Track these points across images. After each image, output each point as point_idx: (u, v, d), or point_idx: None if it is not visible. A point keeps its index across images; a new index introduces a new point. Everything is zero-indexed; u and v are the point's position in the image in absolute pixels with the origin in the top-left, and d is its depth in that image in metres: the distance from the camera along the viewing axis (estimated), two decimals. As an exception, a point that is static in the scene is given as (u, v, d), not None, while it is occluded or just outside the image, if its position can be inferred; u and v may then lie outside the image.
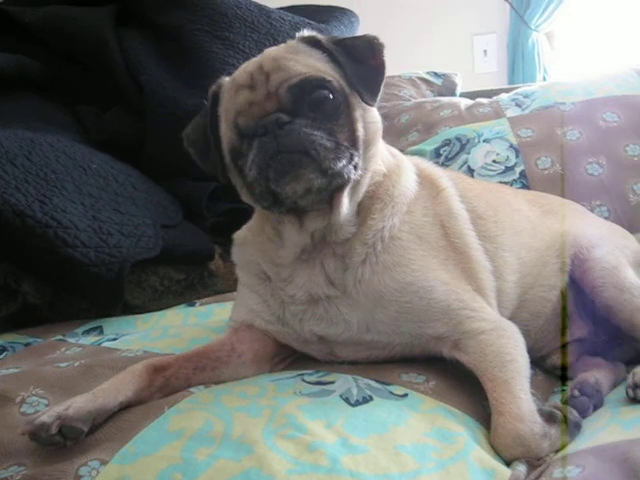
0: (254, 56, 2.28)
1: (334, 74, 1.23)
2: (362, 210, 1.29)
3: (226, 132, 1.25)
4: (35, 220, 1.67)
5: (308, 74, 1.20)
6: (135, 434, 1.11)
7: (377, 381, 1.26)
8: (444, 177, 1.45)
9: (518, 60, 4.68)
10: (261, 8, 2.40)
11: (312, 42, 1.26)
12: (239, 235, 1.45)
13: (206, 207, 2.23)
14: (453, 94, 2.87)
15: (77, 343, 1.62)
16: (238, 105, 1.21)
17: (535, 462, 1.14)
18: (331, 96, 1.20)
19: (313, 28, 2.45)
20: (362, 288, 1.27)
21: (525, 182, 2.04)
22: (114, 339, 1.62)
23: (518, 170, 2.07)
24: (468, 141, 2.20)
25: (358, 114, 1.23)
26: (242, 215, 2.31)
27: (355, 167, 1.20)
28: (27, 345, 1.64)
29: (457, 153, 2.18)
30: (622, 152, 2.03)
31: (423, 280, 1.27)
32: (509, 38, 4.75)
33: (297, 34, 1.29)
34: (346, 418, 1.12)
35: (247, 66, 1.26)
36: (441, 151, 2.21)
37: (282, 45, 1.29)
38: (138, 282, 1.92)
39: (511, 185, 2.03)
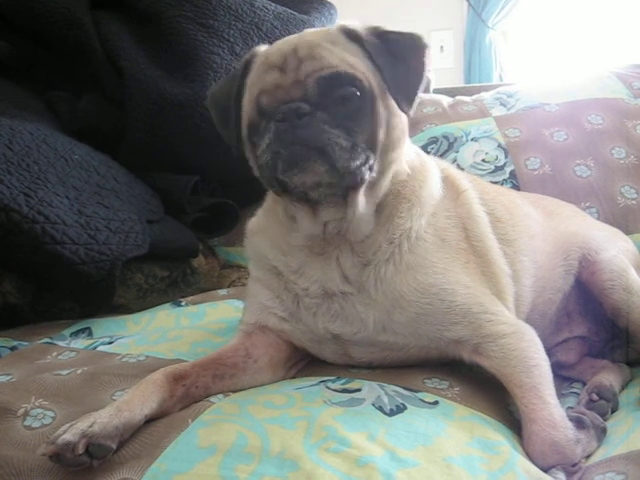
0: (239, 46, 2.27)
1: (367, 73, 1.18)
2: (386, 208, 1.26)
3: (247, 106, 1.21)
4: (21, 215, 1.55)
5: (340, 69, 1.16)
6: (162, 450, 1.04)
7: (404, 388, 1.23)
8: (464, 179, 1.43)
9: (475, 57, 4.74)
10: (244, -5, 2.31)
11: (352, 35, 1.21)
12: (252, 223, 1.41)
13: (188, 202, 2.14)
14: (427, 90, 2.84)
15: (69, 347, 1.52)
16: (264, 84, 1.18)
17: (570, 468, 1.14)
18: (358, 95, 1.16)
19: (296, 19, 2.42)
20: (382, 287, 1.25)
21: (515, 182, 2.04)
22: (109, 342, 1.53)
23: (508, 170, 2.07)
24: (456, 139, 2.19)
25: (382, 118, 1.19)
26: (224, 210, 2.26)
27: (370, 169, 1.17)
28: (13, 349, 1.53)
29: (445, 151, 2.17)
30: (609, 155, 2.06)
31: (445, 282, 1.25)
32: (466, 35, 4.80)
33: (341, 23, 1.23)
34: (386, 429, 1.08)
35: (282, 45, 1.21)
36: (428, 149, 2.19)
37: (321, 31, 1.24)
38: (123, 280, 1.82)
39: (501, 185, 2.03)
